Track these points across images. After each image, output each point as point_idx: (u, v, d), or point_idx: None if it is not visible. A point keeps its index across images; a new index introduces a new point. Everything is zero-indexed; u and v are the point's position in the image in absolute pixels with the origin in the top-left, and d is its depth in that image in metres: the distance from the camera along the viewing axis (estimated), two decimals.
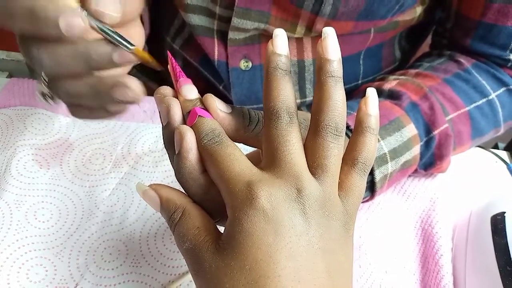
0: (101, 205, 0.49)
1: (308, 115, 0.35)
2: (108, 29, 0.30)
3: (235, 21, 0.51)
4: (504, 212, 0.44)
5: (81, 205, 0.49)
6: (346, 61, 0.59)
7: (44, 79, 0.33)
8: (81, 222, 0.48)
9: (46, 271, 0.44)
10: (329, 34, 0.30)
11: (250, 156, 0.36)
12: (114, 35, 0.31)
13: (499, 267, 0.41)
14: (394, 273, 0.46)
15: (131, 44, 0.31)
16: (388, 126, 0.46)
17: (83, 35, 0.29)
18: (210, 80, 0.60)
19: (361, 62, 0.60)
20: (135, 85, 0.32)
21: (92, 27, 0.30)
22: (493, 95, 0.52)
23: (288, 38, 0.54)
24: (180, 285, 0.44)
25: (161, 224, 0.48)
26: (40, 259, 0.45)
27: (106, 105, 0.34)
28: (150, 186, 0.31)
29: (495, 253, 0.41)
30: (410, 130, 0.47)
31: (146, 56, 0.33)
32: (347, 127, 0.45)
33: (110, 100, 0.33)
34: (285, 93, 0.29)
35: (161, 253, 0.46)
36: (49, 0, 0.28)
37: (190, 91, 0.32)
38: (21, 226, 0.46)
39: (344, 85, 0.63)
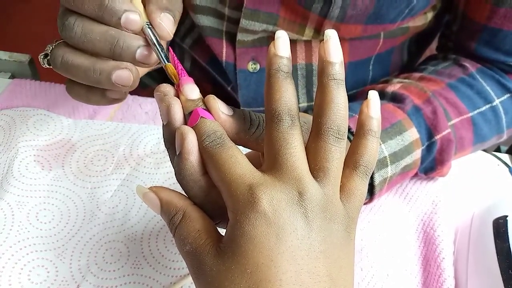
0: (103, 206, 0.49)
1: (309, 118, 0.35)
2: (157, 39, 0.34)
3: (244, 22, 0.51)
4: (506, 216, 0.44)
5: (82, 206, 0.49)
6: (356, 66, 0.58)
7: (53, 44, 0.36)
8: (82, 224, 0.48)
9: (48, 272, 0.44)
10: (331, 37, 0.30)
11: (248, 157, 0.36)
12: (159, 47, 0.34)
13: (501, 271, 0.40)
14: (395, 276, 0.46)
15: (167, 60, 0.34)
16: (389, 130, 0.46)
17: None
18: (218, 81, 0.60)
19: (370, 68, 0.60)
20: (134, 68, 0.35)
21: (143, 31, 0.34)
22: (497, 102, 0.52)
23: (297, 40, 0.55)
24: (182, 287, 0.44)
25: (163, 225, 0.48)
26: (41, 260, 0.45)
27: (101, 84, 0.35)
28: (150, 188, 0.31)
29: (497, 256, 0.41)
30: (412, 134, 0.47)
31: (175, 74, 0.33)
32: (349, 129, 0.45)
33: (106, 81, 0.34)
34: (287, 95, 0.29)
35: (162, 254, 0.46)
36: None
37: (192, 90, 0.32)
38: (22, 227, 0.46)
39: (351, 89, 0.63)
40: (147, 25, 0.34)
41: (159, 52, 0.34)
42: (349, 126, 0.45)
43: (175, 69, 0.34)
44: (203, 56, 0.60)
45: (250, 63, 0.56)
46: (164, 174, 0.52)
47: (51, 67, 0.36)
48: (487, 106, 0.52)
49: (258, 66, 0.56)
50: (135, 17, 0.33)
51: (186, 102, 0.32)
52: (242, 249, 0.27)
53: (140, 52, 0.34)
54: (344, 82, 0.30)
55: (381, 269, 0.46)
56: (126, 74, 0.34)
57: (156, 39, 0.34)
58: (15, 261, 0.44)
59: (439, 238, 0.48)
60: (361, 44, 0.56)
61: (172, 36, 0.35)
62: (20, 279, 0.43)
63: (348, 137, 0.44)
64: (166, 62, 0.33)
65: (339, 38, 0.50)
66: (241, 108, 0.37)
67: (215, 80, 0.61)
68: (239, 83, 0.57)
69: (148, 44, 0.34)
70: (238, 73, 0.56)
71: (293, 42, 0.54)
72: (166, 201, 0.31)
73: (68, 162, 0.53)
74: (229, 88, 0.59)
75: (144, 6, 0.35)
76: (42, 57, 0.37)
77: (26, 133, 0.54)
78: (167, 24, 0.35)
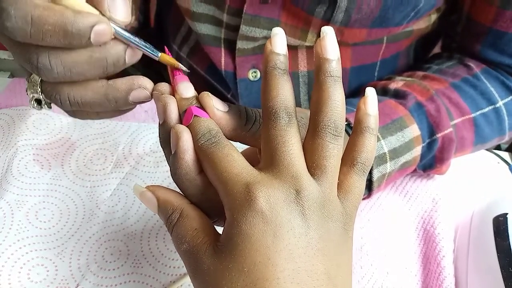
0: (102, 205, 0.49)
1: (307, 112, 0.35)
2: (134, 38, 0.31)
3: (244, 28, 0.50)
4: (507, 213, 0.43)
5: (82, 205, 0.49)
6: (359, 71, 0.57)
7: (39, 86, 0.32)
8: (82, 222, 0.48)
9: (47, 271, 0.44)
10: (328, 33, 0.30)
11: (245, 154, 0.36)
12: (140, 43, 0.31)
13: (501, 269, 0.40)
14: (395, 274, 0.46)
15: (158, 51, 0.32)
16: (390, 125, 0.46)
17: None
18: (217, 89, 0.60)
19: (376, 74, 0.59)
20: (150, 85, 0.32)
21: (116, 36, 0.30)
22: (500, 103, 0.51)
23: (298, 47, 0.54)
24: (181, 285, 0.44)
25: (162, 224, 0.48)
26: (41, 259, 0.45)
27: (119, 108, 0.33)
28: (148, 187, 0.31)
29: (497, 254, 0.41)
30: (413, 130, 0.47)
31: (172, 61, 0.33)
32: (348, 124, 0.45)
33: (124, 104, 0.32)
34: (284, 92, 0.29)
35: (162, 253, 0.46)
36: (73, 13, 0.28)
37: (186, 89, 0.32)
38: (22, 226, 0.46)
39: (356, 94, 0.62)
40: (115, 28, 0.30)
41: (146, 48, 0.31)
42: (349, 120, 0.44)
43: (171, 70, 0.33)
44: (201, 64, 0.59)
45: (251, 71, 0.55)
46: (163, 173, 0.52)
47: (50, 109, 0.34)
48: (490, 107, 0.51)
49: (258, 74, 0.55)
50: (103, 28, 0.29)
51: (180, 100, 0.32)
52: (239, 248, 0.27)
53: (128, 58, 0.31)
54: (341, 79, 0.30)
55: (381, 267, 0.46)
56: (143, 93, 0.32)
57: (136, 36, 0.31)
58: (14, 260, 0.44)
59: (439, 236, 0.48)
60: (363, 49, 0.55)
61: (128, 20, 0.31)
62: (19, 278, 0.43)
63: (348, 132, 0.44)
64: (159, 54, 0.32)
65: (343, 42, 0.49)
66: None
67: (214, 88, 0.60)
68: (240, 92, 0.56)
69: (127, 44, 0.31)
70: (238, 83, 0.55)
71: (294, 49, 0.54)
72: (163, 200, 0.31)
73: (67, 161, 0.53)
74: (229, 96, 0.59)
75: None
76: (35, 104, 0.33)
77: (25, 132, 0.54)
78: (119, 7, 0.30)
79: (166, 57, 0.32)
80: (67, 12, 0.28)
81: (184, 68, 0.33)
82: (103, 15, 0.29)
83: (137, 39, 0.31)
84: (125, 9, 0.30)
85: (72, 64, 0.29)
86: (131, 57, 0.31)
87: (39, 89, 0.32)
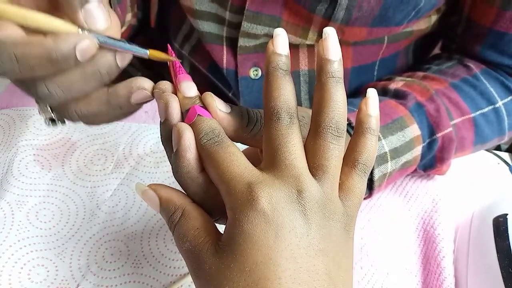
0: (103, 205, 0.49)
1: (308, 111, 0.35)
2: (119, 42, 0.30)
3: (245, 25, 0.50)
4: (506, 214, 0.43)
5: (82, 205, 0.49)
6: (360, 71, 0.57)
7: (48, 107, 0.33)
8: (82, 223, 0.48)
9: (48, 271, 0.44)
10: (330, 34, 0.30)
11: (246, 154, 0.36)
12: (126, 45, 0.30)
13: (501, 269, 0.40)
14: (395, 274, 0.46)
15: (145, 48, 0.31)
16: (391, 125, 0.46)
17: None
18: (219, 87, 0.60)
19: (375, 73, 0.59)
20: (149, 85, 0.32)
21: (101, 45, 0.30)
22: (500, 103, 0.52)
23: (299, 45, 0.54)
24: (182, 286, 0.44)
25: (163, 224, 0.48)
26: (41, 260, 0.45)
27: (126, 111, 0.34)
28: (150, 186, 0.31)
29: (497, 255, 0.41)
30: (413, 130, 0.47)
31: (162, 54, 0.32)
32: (349, 123, 0.45)
33: (128, 107, 0.33)
34: (286, 93, 0.29)
35: (162, 253, 0.46)
36: (52, 40, 0.28)
37: (189, 88, 0.32)
38: (22, 226, 0.46)
39: (356, 94, 0.62)
40: (98, 38, 0.29)
41: (133, 49, 0.31)
42: (350, 120, 0.45)
43: (173, 66, 0.33)
44: (202, 62, 0.59)
45: (252, 69, 0.55)
46: (164, 173, 0.52)
47: (64, 124, 0.35)
48: (490, 107, 0.51)
49: (260, 73, 0.55)
50: (86, 44, 0.28)
51: (183, 99, 0.32)
52: (241, 248, 0.27)
53: (120, 62, 0.31)
54: (343, 80, 0.30)
55: (381, 268, 0.46)
56: (143, 94, 0.32)
57: (120, 40, 0.30)
58: (15, 260, 0.44)
59: (439, 236, 0.48)
60: (364, 49, 0.56)
61: (108, 24, 0.30)
62: (20, 278, 0.43)
63: (349, 132, 0.44)
64: (147, 52, 0.31)
65: (343, 41, 0.48)
66: None
67: (216, 86, 0.60)
68: (241, 90, 0.56)
69: (115, 51, 0.30)
70: (240, 81, 0.55)
71: (295, 47, 0.54)
72: (165, 199, 0.31)
73: (68, 161, 0.53)
74: (230, 94, 0.59)
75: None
76: (50, 123, 0.35)
77: (25, 132, 0.54)
78: (95, 15, 0.29)
79: (155, 53, 0.32)
80: (46, 41, 0.28)
81: (175, 59, 0.33)
82: (81, 28, 0.29)
83: (121, 42, 0.30)
84: (101, 15, 0.29)
85: (69, 85, 0.30)
86: (122, 60, 0.31)
87: (49, 109, 0.34)
